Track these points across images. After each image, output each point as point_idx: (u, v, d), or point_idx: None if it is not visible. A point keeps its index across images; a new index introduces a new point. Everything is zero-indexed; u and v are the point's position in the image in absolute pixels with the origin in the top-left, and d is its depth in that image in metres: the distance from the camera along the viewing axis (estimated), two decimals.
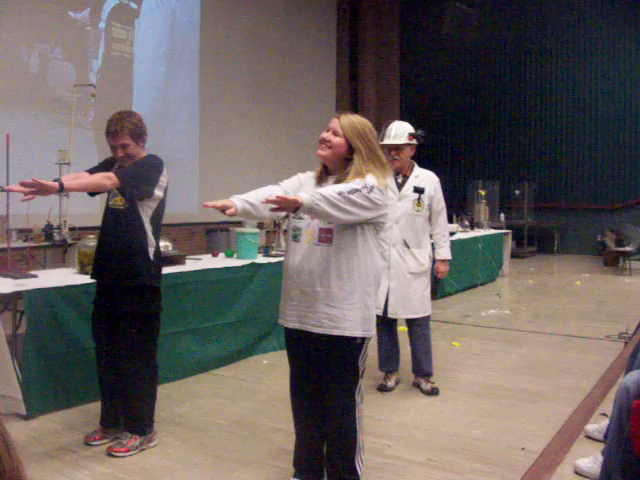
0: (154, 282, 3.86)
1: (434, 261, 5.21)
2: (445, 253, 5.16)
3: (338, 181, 3.00)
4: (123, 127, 3.73)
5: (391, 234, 4.86)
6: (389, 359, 5.10)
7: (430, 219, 5.05)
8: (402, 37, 17.30)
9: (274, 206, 2.71)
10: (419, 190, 4.93)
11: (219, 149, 12.27)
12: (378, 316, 4.75)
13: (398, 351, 5.16)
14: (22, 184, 3.25)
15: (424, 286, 5.02)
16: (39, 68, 9.28)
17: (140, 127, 3.81)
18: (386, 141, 4.90)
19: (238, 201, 2.88)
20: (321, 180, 3.13)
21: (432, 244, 5.17)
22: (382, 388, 5.01)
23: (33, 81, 9.17)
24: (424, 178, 5.01)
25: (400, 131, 4.93)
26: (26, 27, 9.03)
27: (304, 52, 14.75)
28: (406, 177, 4.98)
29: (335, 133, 3.02)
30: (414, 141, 4.95)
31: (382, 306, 4.85)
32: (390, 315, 4.93)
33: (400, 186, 4.95)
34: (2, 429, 0.63)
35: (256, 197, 2.97)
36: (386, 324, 5.00)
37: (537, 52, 16.10)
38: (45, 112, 9.06)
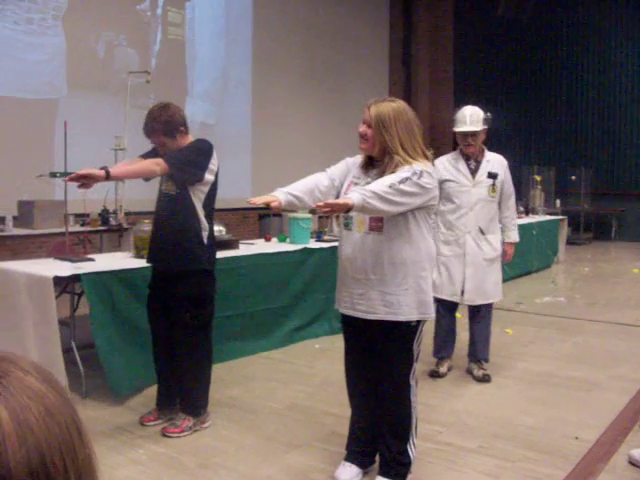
0: (208, 266, 3.89)
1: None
2: (515, 236, 5.14)
3: (381, 171, 3.00)
4: (154, 129, 3.74)
5: (466, 221, 4.84)
6: (444, 345, 5.07)
7: (499, 203, 5.01)
8: (456, 20, 17.04)
9: (321, 203, 2.75)
10: (493, 176, 4.88)
11: (271, 133, 12.30)
12: (441, 301, 4.76)
13: (454, 338, 5.13)
14: (70, 179, 3.34)
15: (497, 271, 5.01)
16: (105, 54, 9.56)
17: (173, 122, 3.75)
18: (463, 128, 4.84)
19: (282, 194, 2.94)
20: (367, 169, 3.14)
21: (500, 228, 5.12)
22: (434, 374, 4.99)
23: (100, 68, 9.43)
24: (495, 163, 4.95)
25: (475, 117, 4.87)
26: (95, 16, 9.29)
27: (357, 35, 14.65)
28: (478, 162, 4.92)
29: (369, 125, 3.01)
30: (486, 125, 4.91)
31: (459, 292, 4.85)
32: (466, 302, 4.94)
33: (473, 172, 4.90)
34: (76, 417, 0.66)
35: (301, 188, 3.03)
36: (447, 310, 4.98)
37: (595, 30, 15.66)
38: (108, 97, 9.24)
